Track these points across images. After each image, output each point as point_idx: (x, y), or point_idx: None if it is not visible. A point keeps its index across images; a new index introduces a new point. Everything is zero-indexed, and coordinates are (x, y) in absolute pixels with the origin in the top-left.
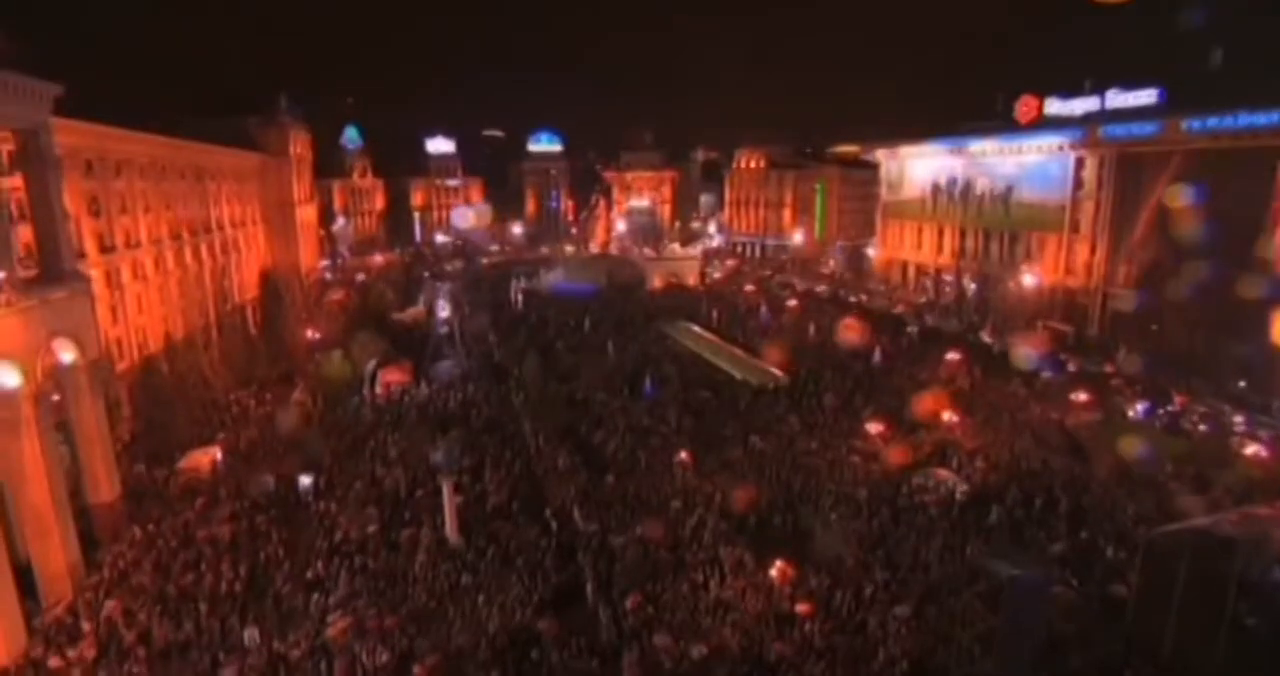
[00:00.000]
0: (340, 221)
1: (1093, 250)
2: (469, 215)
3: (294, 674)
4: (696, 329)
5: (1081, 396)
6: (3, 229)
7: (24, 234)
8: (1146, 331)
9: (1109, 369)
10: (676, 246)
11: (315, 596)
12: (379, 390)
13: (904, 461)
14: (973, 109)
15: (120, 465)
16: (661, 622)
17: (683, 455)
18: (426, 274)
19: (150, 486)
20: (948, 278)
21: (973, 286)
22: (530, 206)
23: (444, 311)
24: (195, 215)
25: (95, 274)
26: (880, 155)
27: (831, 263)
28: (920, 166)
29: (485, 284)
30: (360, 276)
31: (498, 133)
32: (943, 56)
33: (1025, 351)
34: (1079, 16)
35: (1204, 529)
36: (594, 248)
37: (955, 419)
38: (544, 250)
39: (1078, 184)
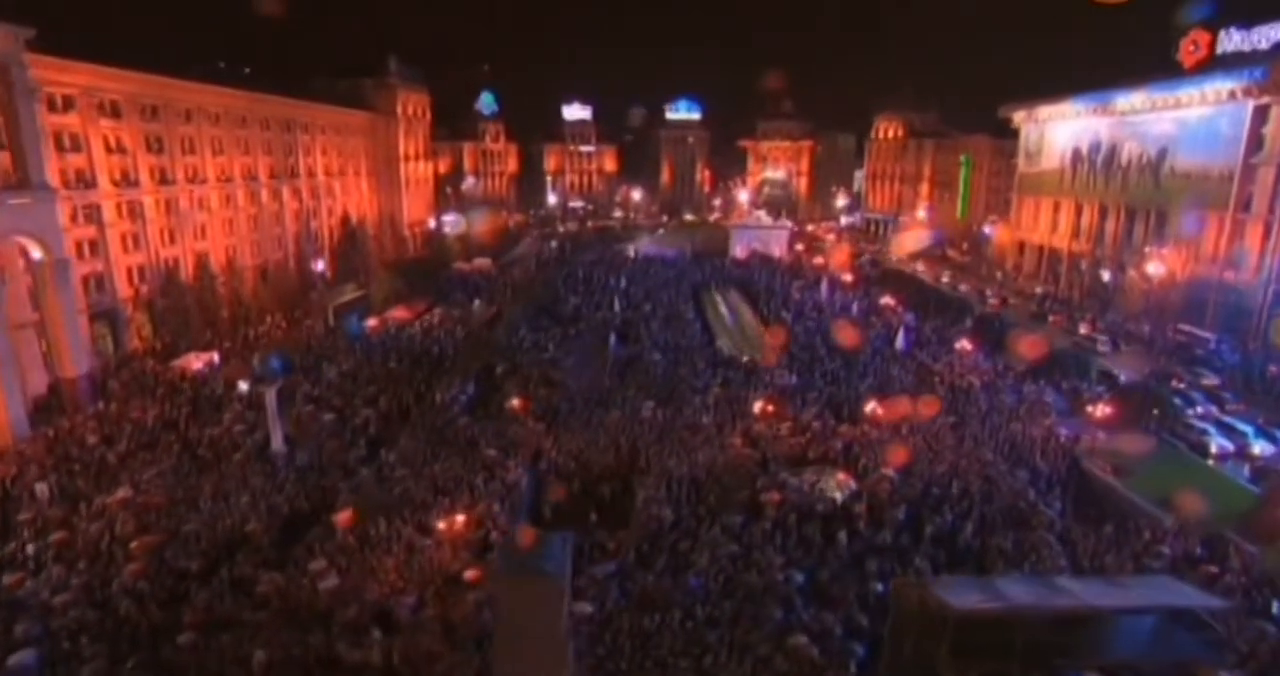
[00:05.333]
0: (470, 181)
1: (1267, 234)
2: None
3: (65, 527)
4: (735, 297)
5: (1105, 410)
6: None
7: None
8: None
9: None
10: (762, 214)
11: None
12: (372, 323)
13: (787, 452)
14: (1133, 58)
15: (142, 360)
16: (347, 554)
17: (514, 402)
18: (536, 233)
19: (141, 376)
20: (1084, 266)
21: (1107, 276)
22: (666, 174)
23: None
24: (278, 162)
25: (149, 201)
26: (1019, 119)
27: (964, 245)
28: (1061, 131)
29: (570, 245)
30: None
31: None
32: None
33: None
34: None
35: (936, 589)
36: (734, 218)
37: (879, 413)
38: (664, 218)
39: (1253, 145)
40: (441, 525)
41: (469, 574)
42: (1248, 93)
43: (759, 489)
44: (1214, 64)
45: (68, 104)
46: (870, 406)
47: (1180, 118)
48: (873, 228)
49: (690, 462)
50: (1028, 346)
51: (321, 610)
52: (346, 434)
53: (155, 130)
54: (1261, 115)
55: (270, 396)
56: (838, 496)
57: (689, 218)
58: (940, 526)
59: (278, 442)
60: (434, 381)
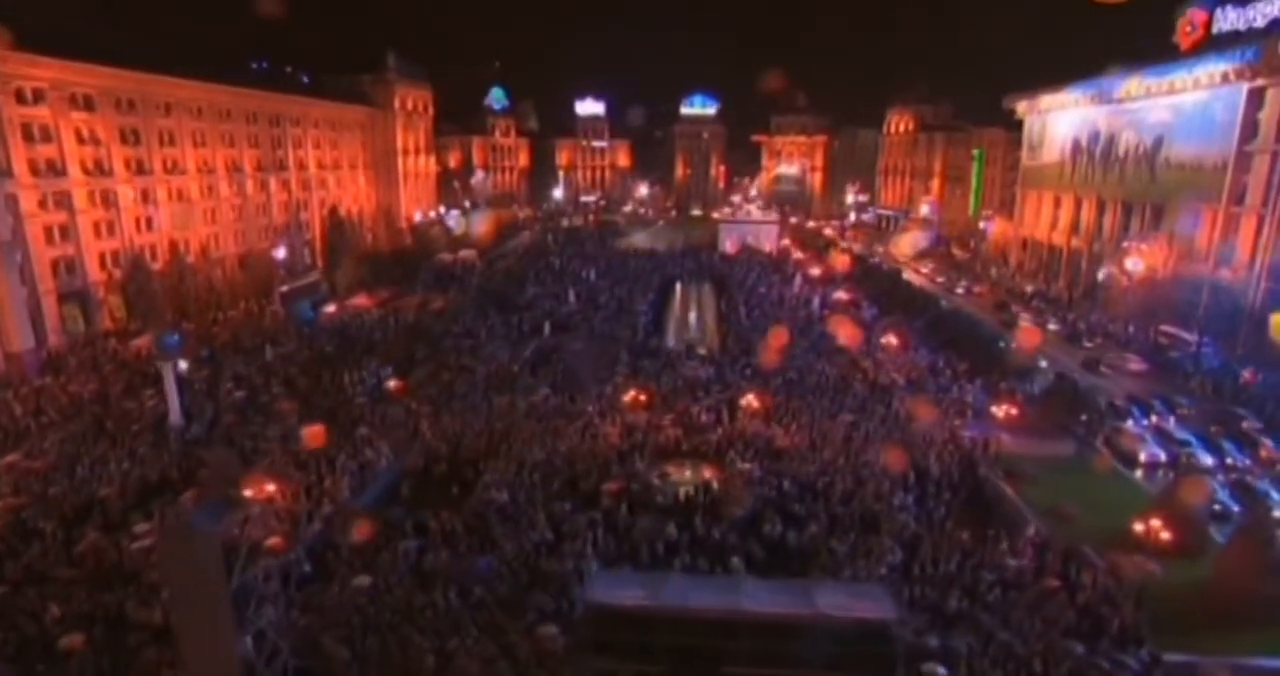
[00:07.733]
0: (479, 175)
1: (1260, 228)
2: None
3: None
4: (706, 291)
5: (1010, 412)
6: None
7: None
8: None
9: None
10: (754, 209)
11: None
12: (330, 310)
13: (662, 443)
14: (1144, 50)
15: (104, 339)
16: (181, 517)
17: (391, 384)
18: (538, 226)
19: (101, 355)
20: (1083, 263)
21: (1102, 274)
22: (680, 170)
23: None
24: (265, 154)
25: (123, 190)
26: (1022, 109)
27: (970, 242)
28: (1062, 121)
29: (564, 238)
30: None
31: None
32: None
33: None
34: None
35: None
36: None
37: (755, 406)
38: (672, 214)
39: (1247, 131)
40: (249, 492)
41: (270, 541)
42: (1241, 75)
43: (611, 478)
44: (1209, 45)
45: (38, 96)
46: (745, 399)
47: (1175, 104)
48: (884, 223)
49: (549, 449)
50: (1024, 337)
51: (128, 571)
52: (249, 411)
53: (131, 122)
54: (1256, 99)
55: (168, 371)
56: (682, 490)
57: (696, 213)
58: (776, 525)
59: (175, 416)
60: (355, 363)
